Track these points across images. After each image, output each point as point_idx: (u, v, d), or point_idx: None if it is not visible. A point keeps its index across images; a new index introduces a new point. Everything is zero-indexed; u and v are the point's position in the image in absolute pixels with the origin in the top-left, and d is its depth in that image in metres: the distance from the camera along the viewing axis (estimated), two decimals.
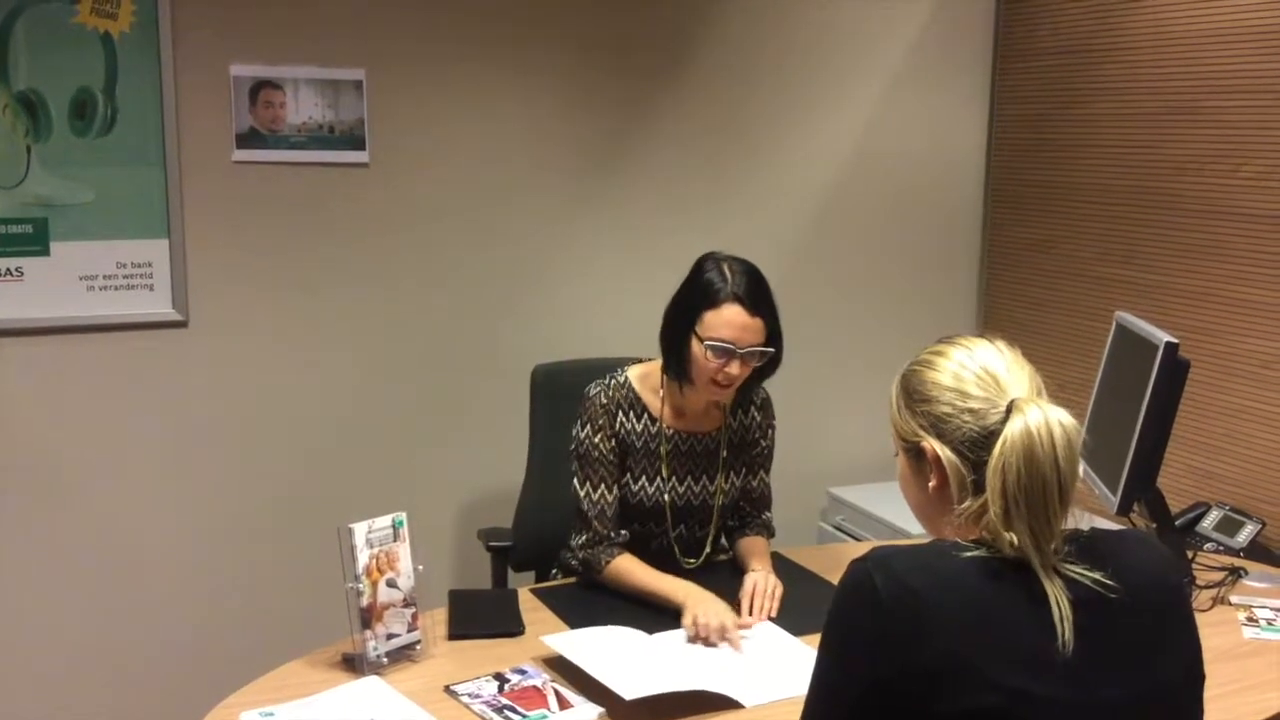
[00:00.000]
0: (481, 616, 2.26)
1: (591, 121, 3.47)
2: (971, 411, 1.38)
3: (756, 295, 2.34)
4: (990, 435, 1.35)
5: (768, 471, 2.65)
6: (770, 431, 2.62)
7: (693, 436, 2.52)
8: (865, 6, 3.74)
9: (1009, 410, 1.35)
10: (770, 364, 2.45)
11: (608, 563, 2.42)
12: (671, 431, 2.51)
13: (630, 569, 2.40)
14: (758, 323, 2.33)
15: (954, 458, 1.39)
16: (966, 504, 1.38)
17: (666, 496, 2.51)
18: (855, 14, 3.73)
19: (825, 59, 3.72)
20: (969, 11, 3.89)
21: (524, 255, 3.45)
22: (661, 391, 2.51)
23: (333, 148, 3.17)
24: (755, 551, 2.53)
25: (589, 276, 3.52)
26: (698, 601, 2.23)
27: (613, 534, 2.47)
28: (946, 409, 1.40)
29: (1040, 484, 1.30)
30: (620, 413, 2.48)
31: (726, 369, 2.33)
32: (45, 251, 2.94)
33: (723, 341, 2.32)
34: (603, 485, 2.46)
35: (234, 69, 3.06)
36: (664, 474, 2.51)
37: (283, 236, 3.18)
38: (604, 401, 2.48)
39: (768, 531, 2.64)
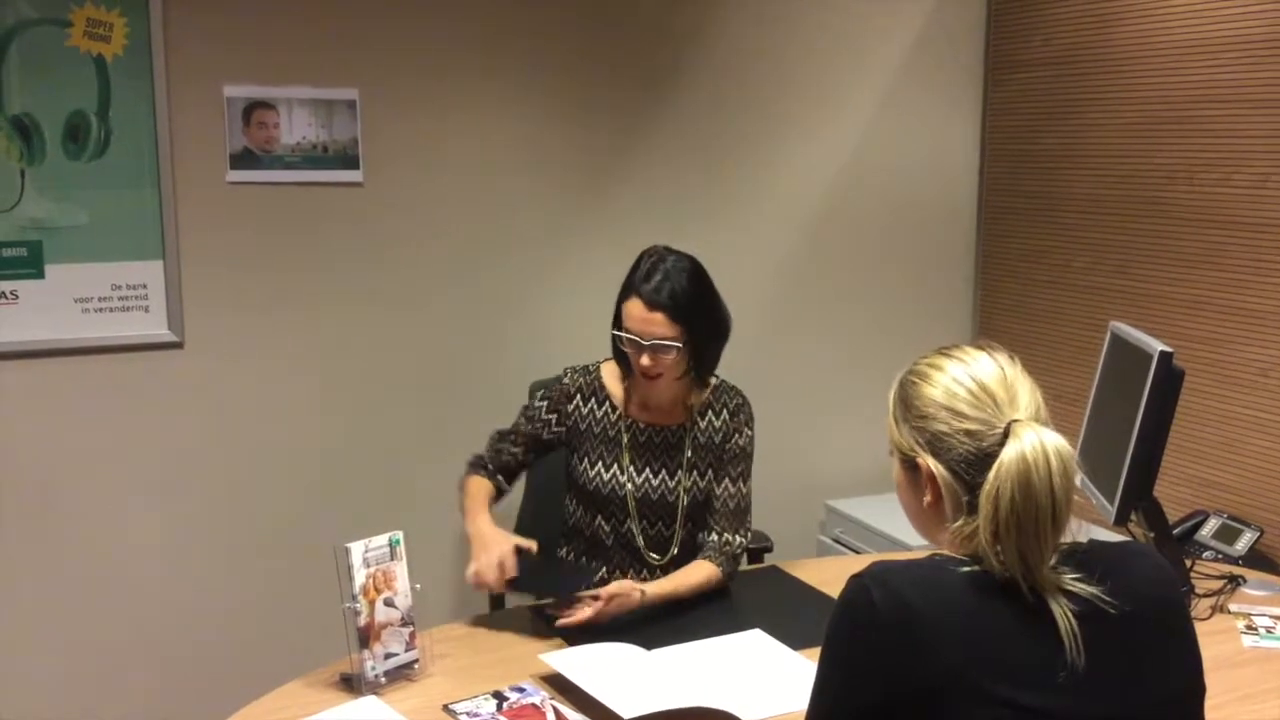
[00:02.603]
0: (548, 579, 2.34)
1: (586, 136, 3.48)
2: (968, 433, 1.37)
3: (660, 291, 2.41)
4: (987, 457, 1.34)
5: (743, 480, 2.58)
6: (739, 436, 2.59)
7: (651, 428, 2.57)
8: (857, 20, 3.75)
9: (1006, 433, 1.34)
10: (706, 357, 2.51)
11: (467, 476, 2.59)
12: (631, 421, 2.57)
13: (469, 489, 2.54)
14: (657, 317, 2.40)
15: (949, 477, 1.38)
16: (960, 523, 1.37)
17: (629, 485, 2.55)
18: (847, 27, 3.75)
19: (818, 72, 3.74)
20: (960, 23, 3.90)
21: (520, 271, 3.45)
22: (625, 383, 2.59)
23: (326, 167, 3.18)
24: (680, 573, 2.43)
25: (586, 291, 3.52)
26: (479, 552, 2.33)
27: (490, 465, 2.60)
28: (942, 428, 1.39)
29: (1034, 510, 1.29)
30: (579, 397, 2.60)
31: (640, 360, 2.43)
32: (40, 274, 2.94)
33: (628, 333, 2.44)
34: (514, 436, 2.62)
35: (227, 90, 3.06)
36: (623, 462, 2.56)
37: (277, 256, 3.18)
38: (565, 382, 2.61)
39: (723, 559, 2.48)
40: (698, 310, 2.45)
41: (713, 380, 2.62)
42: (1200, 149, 3.22)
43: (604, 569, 2.56)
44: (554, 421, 2.59)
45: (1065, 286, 3.69)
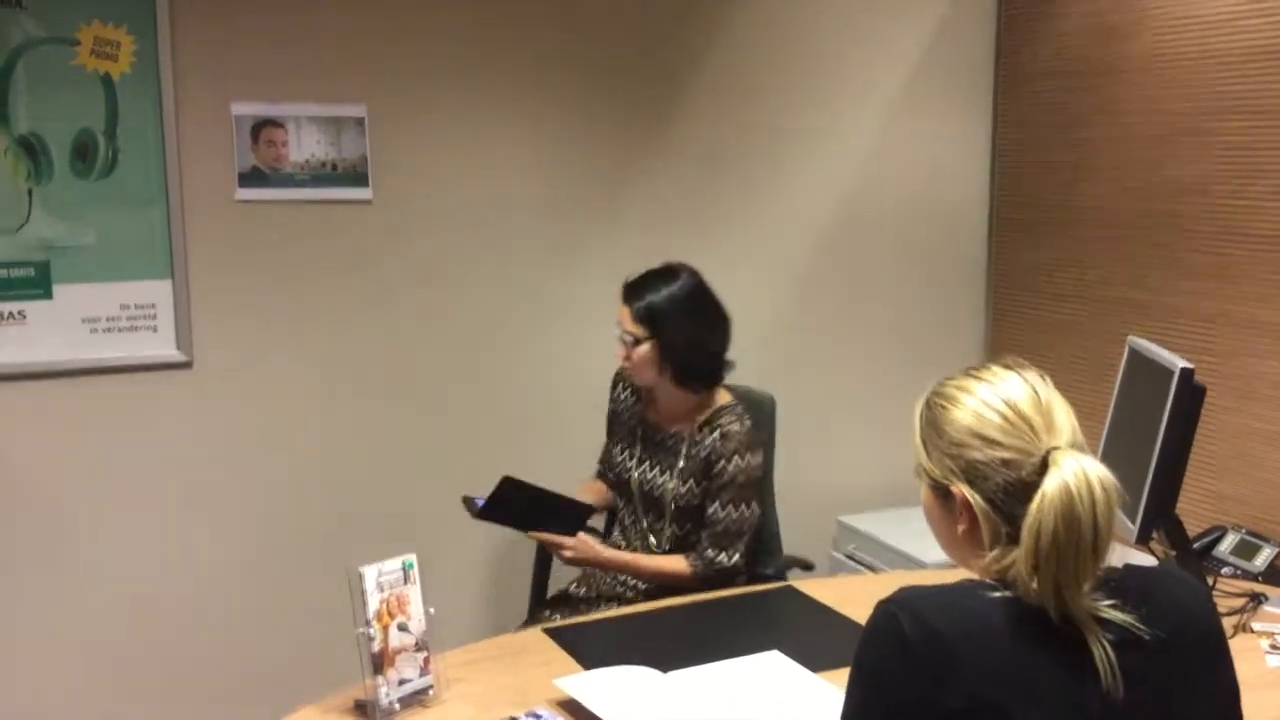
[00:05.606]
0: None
1: (595, 151, 3.47)
2: (1005, 462, 1.32)
3: (633, 290, 2.68)
4: (1026, 487, 1.30)
5: (734, 506, 2.64)
6: (725, 463, 2.63)
7: (656, 429, 2.76)
8: (865, 34, 3.74)
9: (1045, 462, 1.30)
10: (684, 365, 2.65)
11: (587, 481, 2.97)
12: (644, 417, 2.80)
13: (589, 487, 2.94)
14: (625, 312, 2.68)
15: (987, 508, 1.34)
16: (996, 553, 1.33)
17: (636, 475, 2.76)
18: (856, 41, 3.73)
19: (828, 83, 3.72)
20: (970, 36, 3.89)
21: (531, 287, 3.44)
22: None
23: (336, 185, 3.16)
24: (651, 555, 2.69)
25: (598, 307, 3.49)
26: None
27: (601, 466, 2.94)
28: (978, 456, 1.34)
29: (1075, 543, 1.26)
30: (621, 384, 2.89)
31: (618, 349, 2.69)
32: (48, 294, 2.93)
33: (617, 325, 2.70)
34: (609, 431, 2.93)
35: (235, 108, 3.05)
36: (634, 450, 2.80)
37: (287, 275, 3.17)
38: (618, 370, 2.84)
39: (701, 564, 2.64)
40: (669, 315, 2.63)
41: (725, 399, 2.69)
42: (1215, 161, 3.20)
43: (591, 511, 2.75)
44: (611, 412, 2.91)
45: (1078, 299, 3.67)
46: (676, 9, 3.49)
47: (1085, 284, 3.64)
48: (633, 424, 2.82)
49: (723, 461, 2.64)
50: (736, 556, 2.64)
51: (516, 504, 2.58)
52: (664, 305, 2.64)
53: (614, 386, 2.91)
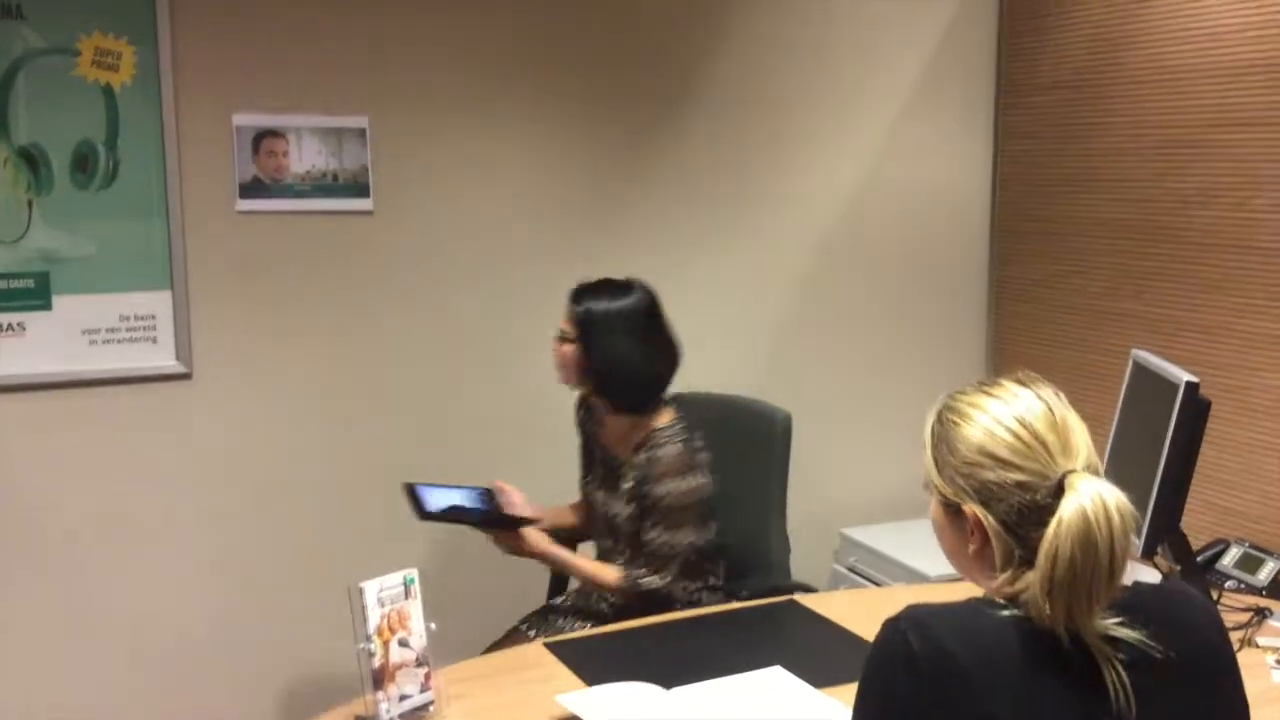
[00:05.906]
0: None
1: (596, 161, 3.46)
2: (1020, 484, 1.30)
3: (579, 289, 2.68)
4: (1041, 510, 1.28)
5: (663, 529, 2.59)
6: (652, 486, 2.59)
7: (606, 451, 2.76)
8: (866, 45, 3.74)
9: (1060, 485, 1.28)
10: (606, 381, 2.65)
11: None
12: (599, 440, 2.79)
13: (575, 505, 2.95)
14: (566, 308, 2.68)
15: (999, 529, 1.32)
16: (1008, 575, 1.32)
17: (598, 497, 2.77)
18: (857, 53, 3.73)
19: (827, 98, 3.72)
20: (970, 48, 3.88)
21: (532, 298, 3.42)
22: None
23: (337, 196, 3.16)
24: (586, 559, 2.73)
25: None
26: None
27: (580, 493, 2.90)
28: (992, 476, 1.32)
29: (1091, 568, 1.24)
30: (586, 409, 2.85)
31: None
32: (47, 306, 2.92)
33: None
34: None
35: (236, 118, 3.04)
36: (594, 474, 2.81)
37: (287, 286, 3.16)
38: (580, 392, 2.81)
39: (629, 582, 2.60)
40: (601, 327, 2.61)
41: (664, 420, 2.65)
42: (1217, 173, 3.19)
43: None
44: (581, 437, 2.86)
45: (1081, 311, 3.66)
46: (679, 19, 3.49)
47: (1088, 295, 3.63)
48: (592, 447, 2.82)
49: (650, 485, 2.59)
50: (668, 579, 2.60)
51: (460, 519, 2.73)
52: (600, 316, 2.62)
53: (576, 409, 2.88)
